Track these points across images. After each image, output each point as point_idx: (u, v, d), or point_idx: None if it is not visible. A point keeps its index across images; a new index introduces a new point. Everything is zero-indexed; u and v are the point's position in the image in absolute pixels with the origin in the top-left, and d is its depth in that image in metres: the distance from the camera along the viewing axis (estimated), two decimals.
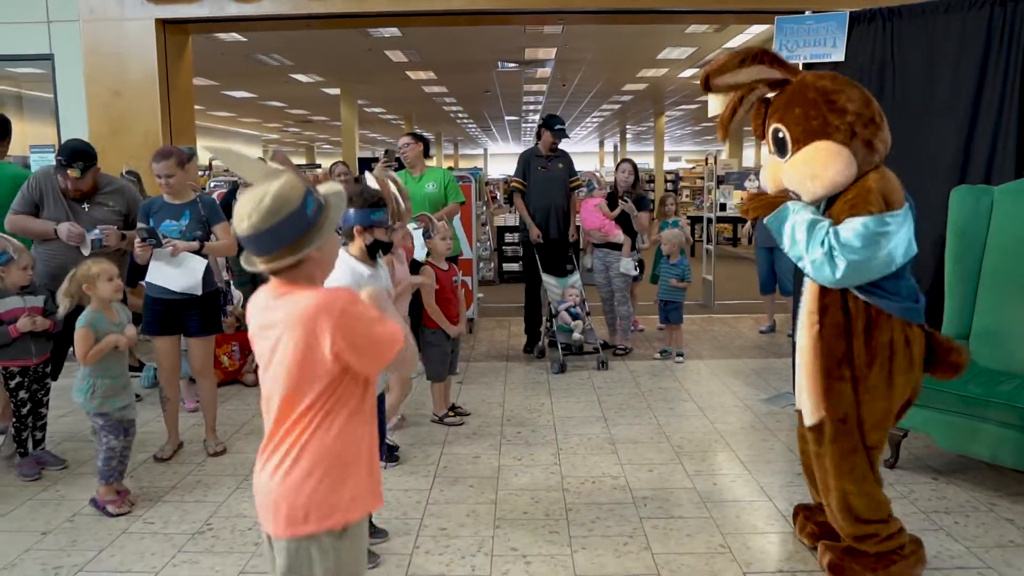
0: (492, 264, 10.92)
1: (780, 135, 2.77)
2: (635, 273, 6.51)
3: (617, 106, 24.34)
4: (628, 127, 33.24)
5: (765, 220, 2.83)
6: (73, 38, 7.55)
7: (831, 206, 2.74)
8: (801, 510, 3.23)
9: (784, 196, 2.84)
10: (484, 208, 11.06)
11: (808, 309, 2.81)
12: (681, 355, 6.20)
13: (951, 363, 2.82)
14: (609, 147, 43.34)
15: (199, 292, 4.16)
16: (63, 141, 4.07)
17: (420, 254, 5.26)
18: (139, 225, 4.11)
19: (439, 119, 28.29)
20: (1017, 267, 3.89)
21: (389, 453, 4.17)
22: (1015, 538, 3.14)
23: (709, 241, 9.19)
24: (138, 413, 3.64)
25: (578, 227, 6.80)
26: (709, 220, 9.39)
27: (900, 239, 2.61)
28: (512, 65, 14.96)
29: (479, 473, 3.96)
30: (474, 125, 32.26)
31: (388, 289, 3.16)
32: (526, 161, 6.48)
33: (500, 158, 46.48)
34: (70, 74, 7.68)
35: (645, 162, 36.72)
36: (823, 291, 2.74)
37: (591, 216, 6.58)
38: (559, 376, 5.82)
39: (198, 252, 4.14)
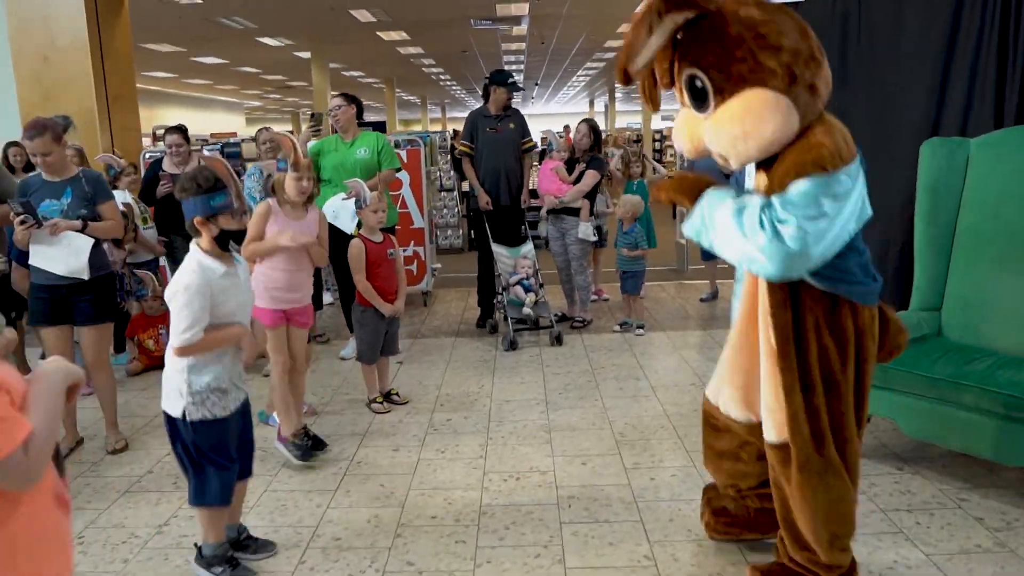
0: (461, 231, 10.46)
1: (698, 84, 2.17)
2: (594, 239, 6.06)
3: (602, 64, 23.68)
4: (617, 85, 32.47)
5: (686, 231, 2.33)
6: None
7: (767, 168, 2.20)
8: (706, 491, 2.84)
9: (702, 181, 2.33)
10: (452, 172, 10.55)
11: (763, 308, 2.29)
12: (641, 327, 5.78)
13: (898, 346, 2.42)
14: (600, 106, 42.56)
15: (86, 276, 3.72)
16: None
17: (349, 226, 4.83)
18: (10, 202, 3.67)
19: (421, 81, 27.55)
20: (995, 229, 3.46)
21: (305, 447, 3.75)
22: (982, 541, 2.74)
23: None
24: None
25: (533, 191, 6.35)
26: None
27: (854, 200, 2.12)
28: (486, 23, 14.33)
29: (394, 469, 3.56)
30: (458, 87, 31.50)
31: (248, 288, 2.72)
32: (473, 122, 5.99)
33: None
34: None
35: (636, 121, 36.05)
36: (772, 288, 2.24)
37: (547, 180, 6.11)
38: (508, 354, 5.40)
39: (81, 232, 3.70)
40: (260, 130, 5.80)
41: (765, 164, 2.22)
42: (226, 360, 2.56)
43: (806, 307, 2.23)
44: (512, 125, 5.97)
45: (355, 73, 23.63)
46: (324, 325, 6.15)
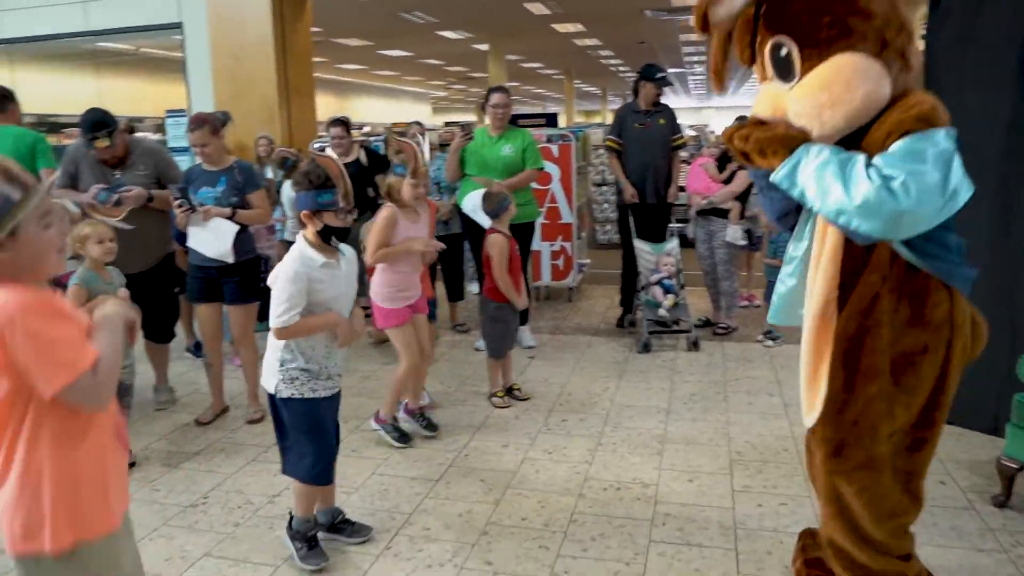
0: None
1: (783, 52, 2.06)
2: (743, 243, 5.74)
3: None
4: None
5: (775, 177, 2.07)
6: (201, 5, 7.74)
7: (854, 146, 2.00)
8: (803, 536, 2.62)
9: (797, 131, 2.07)
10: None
11: (827, 274, 2.10)
12: (775, 338, 5.42)
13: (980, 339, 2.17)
14: None
15: (231, 259, 4.04)
16: (85, 113, 4.00)
17: (486, 221, 4.89)
18: (170, 187, 4.04)
19: (600, 73, 27.44)
20: None
21: (398, 434, 3.87)
22: None
23: None
24: (135, 377, 3.70)
25: (682, 188, 6.12)
26: None
27: (959, 163, 1.90)
28: (661, 13, 13.99)
29: (499, 466, 3.57)
30: None
31: (350, 282, 2.81)
32: (622, 118, 5.86)
33: None
34: (198, 40, 7.91)
35: None
36: (851, 248, 2.06)
37: (696, 179, 5.87)
38: (641, 356, 5.25)
39: (230, 219, 4.01)
40: (411, 124, 6.03)
41: (848, 143, 2.04)
42: (319, 346, 2.69)
43: (887, 280, 2.05)
44: (662, 121, 5.78)
45: (534, 64, 23.93)
46: (467, 315, 6.29)
